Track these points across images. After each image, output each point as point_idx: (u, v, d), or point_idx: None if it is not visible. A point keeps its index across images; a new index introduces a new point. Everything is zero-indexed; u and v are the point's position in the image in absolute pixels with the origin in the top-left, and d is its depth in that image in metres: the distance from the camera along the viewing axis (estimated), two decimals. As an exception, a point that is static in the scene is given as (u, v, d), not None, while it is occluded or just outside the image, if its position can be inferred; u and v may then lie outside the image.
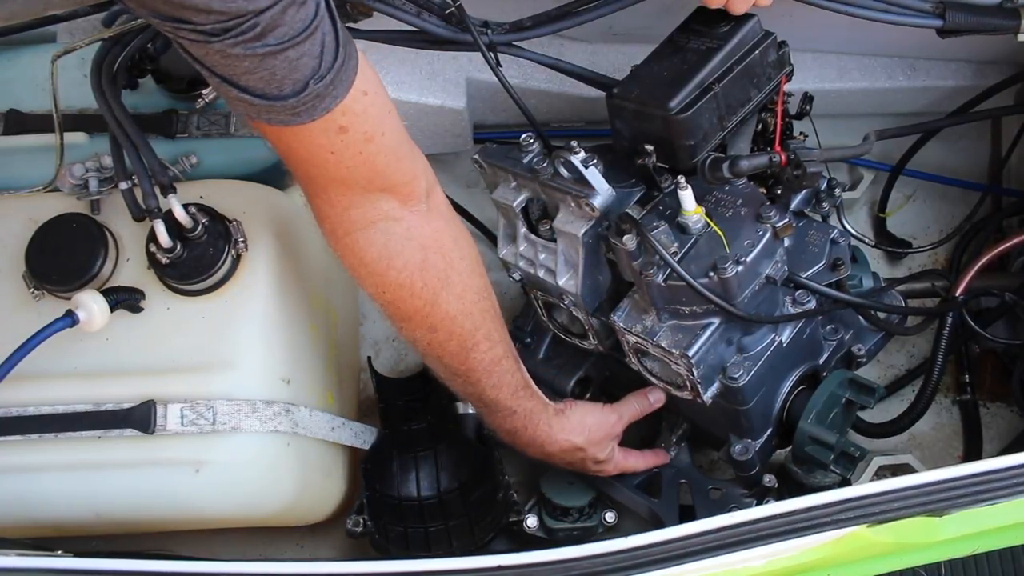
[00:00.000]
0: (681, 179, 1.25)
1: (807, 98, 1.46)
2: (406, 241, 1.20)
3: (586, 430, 1.44)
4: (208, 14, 0.88)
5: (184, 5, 0.87)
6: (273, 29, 0.91)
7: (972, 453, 1.79)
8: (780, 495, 1.45)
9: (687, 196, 1.26)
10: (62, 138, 1.49)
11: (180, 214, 1.33)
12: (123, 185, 1.36)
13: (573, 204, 1.34)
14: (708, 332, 1.30)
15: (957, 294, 1.55)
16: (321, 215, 1.19)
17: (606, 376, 1.63)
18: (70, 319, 1.28)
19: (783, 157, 1.29)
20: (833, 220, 1.57)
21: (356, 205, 1.16)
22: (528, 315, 1.64)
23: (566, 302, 1.43)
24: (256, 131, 1.08)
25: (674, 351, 1.30)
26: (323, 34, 0.96)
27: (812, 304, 1.35)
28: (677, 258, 1.27)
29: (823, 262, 1.39)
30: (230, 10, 0.88)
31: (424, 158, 1.21)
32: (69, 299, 1.33)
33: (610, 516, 1.63)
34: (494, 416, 1.39)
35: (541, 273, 1.42)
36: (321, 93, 0.99)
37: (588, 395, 1.62)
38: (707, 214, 1.29)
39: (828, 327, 1.47)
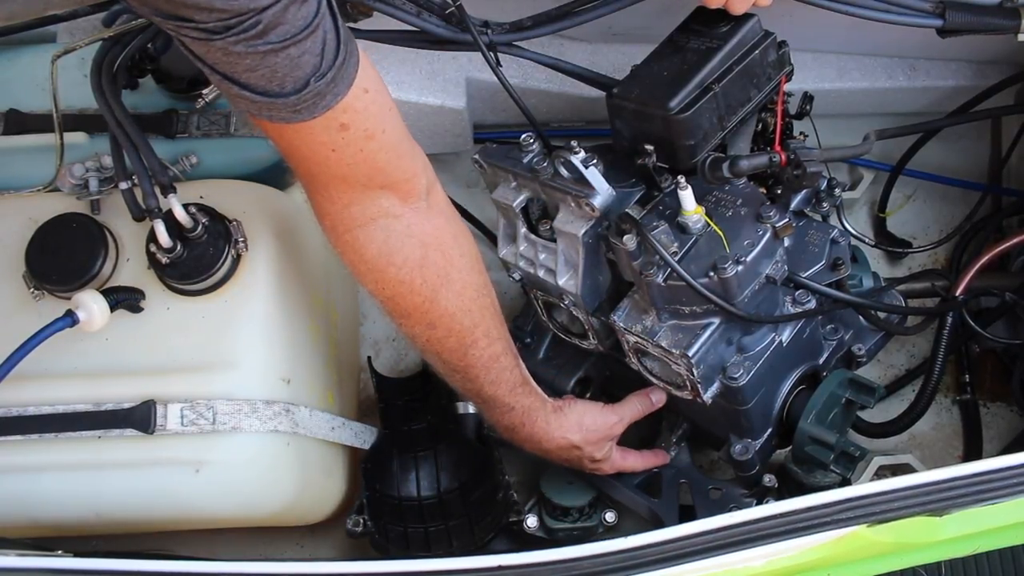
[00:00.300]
0: (681, 179, 1.25)
1: (807, 98, 1.46)
2: (406, 238, 1.20)
3: (583, 429, 1.44)
4: (210, 12, 0.88)
5: (186, 3, 0.88)
6: (275, 27, 0.91)
7: (972, 453, 1.78)
8: (780, 495, 1.45)
9: (687, 196, 1.26)
10: (62, 138, 1.49)
11: (180, 214, 1.33)
12: (123, 185, 1.36)
13: (573, 204, 1.34)
14: (708, 332, 1.30)
15: (957, 294, 1.55)
16: (321, 212, 1.19)
17: (606, 376, 1.63)
18: (70, 319, 1.28)
19: (783, 157, 1.29)
20: (833, 220, 1.57)
21: (356, 202, 1.16)
22: (528, 315, 1.64)
23: (566, 302, 1.43)
24: (257, 130, 1.08)
25: (674, 351, 1.30)
26: (324, 32, 0.96)
27: (812, 304, 1.35)
28: (677, 258, 1.27)
29: (823, 262, 1.39)
30: (232, 8, 0.88)
31: (424, 155, 1.22)
32: (69, 299, 1.33)
33: (610, 516, 1.63)
34: (492, 412, 1.39)
35: (541, 273, 1.42)
36: (322, 91, 0.99)
37: (588, 395, 1.61)
38: (707, 214, 1.29)
39: (828, 327, 1.47)
